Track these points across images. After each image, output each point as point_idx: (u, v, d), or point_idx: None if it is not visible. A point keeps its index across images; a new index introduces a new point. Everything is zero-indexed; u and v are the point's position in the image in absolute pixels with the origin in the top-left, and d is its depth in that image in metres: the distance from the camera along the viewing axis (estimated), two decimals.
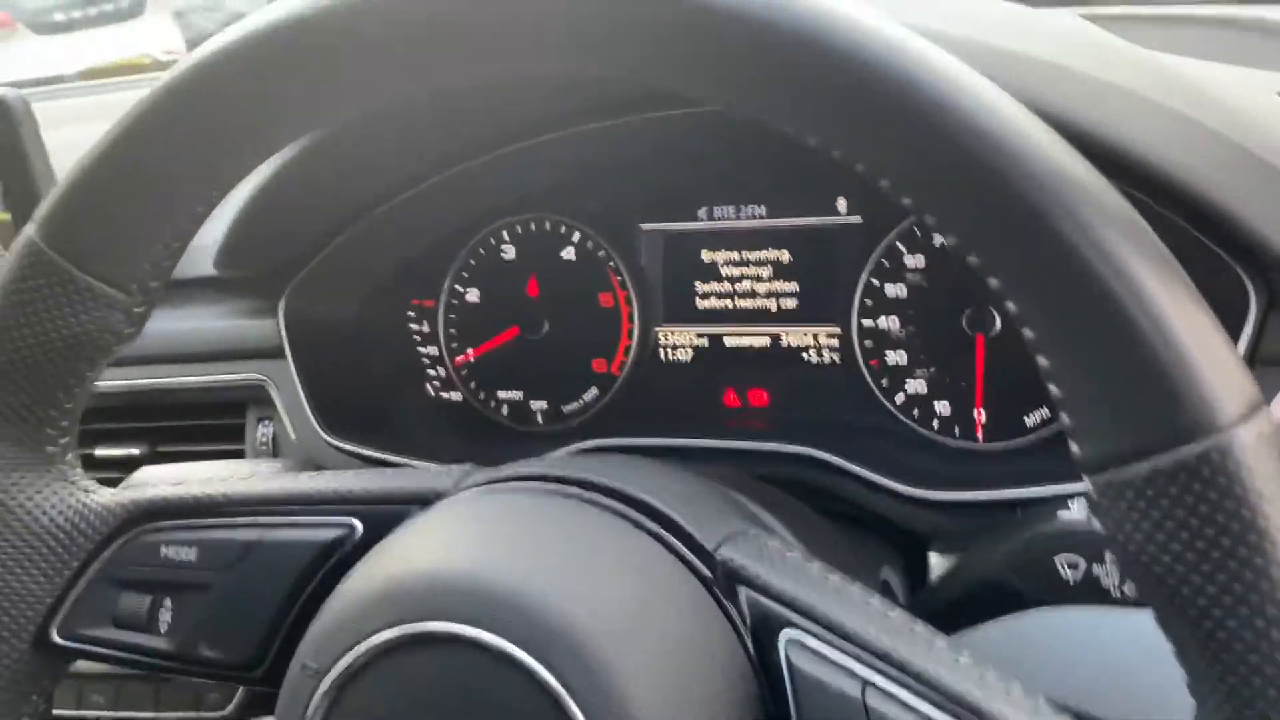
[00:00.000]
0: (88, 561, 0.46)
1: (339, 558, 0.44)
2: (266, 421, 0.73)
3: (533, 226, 0.75)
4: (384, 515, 0.44)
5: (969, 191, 0.28)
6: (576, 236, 0.74)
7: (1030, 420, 0.64)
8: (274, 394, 0.72)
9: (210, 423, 0.74)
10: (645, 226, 0.73)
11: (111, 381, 0.68)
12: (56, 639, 0.46)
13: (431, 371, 0.79)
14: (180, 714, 0.86)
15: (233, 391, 0.73)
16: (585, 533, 0.40)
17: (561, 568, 0.37)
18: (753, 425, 0.70)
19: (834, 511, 0.61)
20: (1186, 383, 0.27)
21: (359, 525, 0.44)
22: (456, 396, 0.79)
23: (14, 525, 0.45)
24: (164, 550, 0.46)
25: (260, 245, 0.70)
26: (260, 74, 0.36)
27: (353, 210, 0.71)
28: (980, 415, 0.65)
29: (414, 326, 0.79)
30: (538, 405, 0.77)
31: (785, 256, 0.70)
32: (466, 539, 0.39)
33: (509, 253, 0.76)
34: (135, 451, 0.75)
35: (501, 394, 0.77)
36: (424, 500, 0.44)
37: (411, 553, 0.39)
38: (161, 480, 0.49)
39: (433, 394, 0.79)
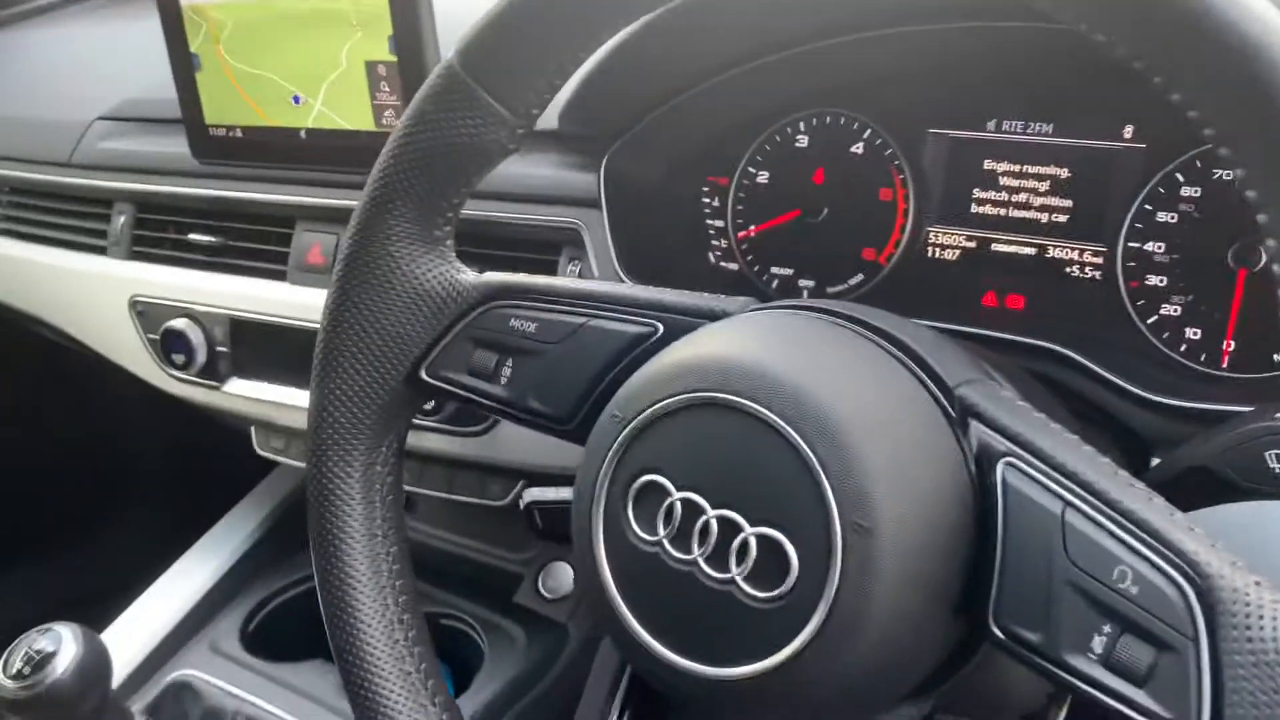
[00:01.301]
0: (454, 322, 0.57)
1: (642, 349, 0.53)
2: (576, 261, 0.83)
3: (827, 120, 0.81)
4: (680, 323, 0.53)
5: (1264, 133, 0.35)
6: (867, 133, 0.80)
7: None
8: (586, 238, 0.82)
9: (531, 256, 0.85)
10: (933, 130, 0.77)
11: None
12: (424, 377, 0.58)
13: (715, 242, 0.88)
14: (466, 498, 1.02)
15: (553, 231, 0.84)
16: (849, 351, 0.48)
17: (824, 368, 0.45)
18: (1006, 328, 0.75)
19: (1068, 408, 0.66)
20: None
21: (661, 327, 0.54)
22: (733, 267, 0.87)
23: (405, 284, 0.56)
24: (512, 321, 0.56)
25: (595, 109, 0.80)
26: None
27: (673, 88, 0.80)
28: (1229, 345, 0.67)
29: (706, 200, 0.87)
30: (805, 283, 0.84)
31: (1064, 174, 0.73)
32: (745, 338, 0.48)
33: (802, 142, 0.83)
34: None
35: (774, 269, 0.85)
36: (713, 315, 0.54)
37: (701, 346, 0.49)
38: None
39: (713, 261, 0.88)
